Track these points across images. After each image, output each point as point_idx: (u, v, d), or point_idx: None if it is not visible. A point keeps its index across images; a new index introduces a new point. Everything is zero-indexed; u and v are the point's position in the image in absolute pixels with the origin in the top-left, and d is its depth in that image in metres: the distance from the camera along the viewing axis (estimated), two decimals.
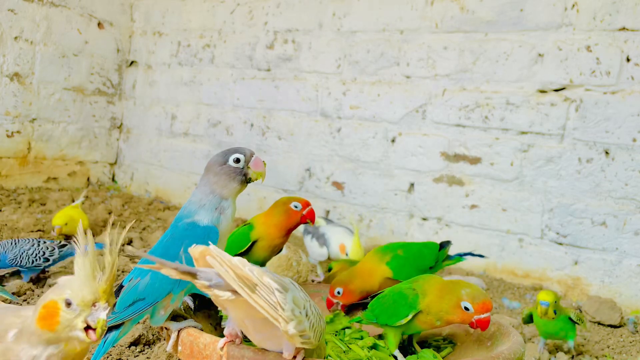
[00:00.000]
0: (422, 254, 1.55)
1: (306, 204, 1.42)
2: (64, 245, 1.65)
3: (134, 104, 3.67)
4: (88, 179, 3.54)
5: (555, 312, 1.50)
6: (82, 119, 3.45)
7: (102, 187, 3.58)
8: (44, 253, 1.58)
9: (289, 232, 1.42)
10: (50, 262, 1.60)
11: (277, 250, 1.45)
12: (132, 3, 3.69)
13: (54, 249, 1.61)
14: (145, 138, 3.61)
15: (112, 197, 3.24)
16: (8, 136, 3.06)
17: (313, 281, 1.98)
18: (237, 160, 1.12)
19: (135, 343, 1.29)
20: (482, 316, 1.13)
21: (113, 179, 3.72)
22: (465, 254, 1.78)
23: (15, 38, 3.02)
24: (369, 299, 1.40)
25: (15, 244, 1.59)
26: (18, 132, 3.10)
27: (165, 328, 1.06)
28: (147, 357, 1.22)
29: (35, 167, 3.21)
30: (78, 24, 3.34)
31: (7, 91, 3.02)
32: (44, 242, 1.62)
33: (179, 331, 1.02)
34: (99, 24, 3.48)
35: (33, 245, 1.59)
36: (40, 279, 1.66)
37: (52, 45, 3.21)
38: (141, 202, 3.27)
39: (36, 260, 1.57)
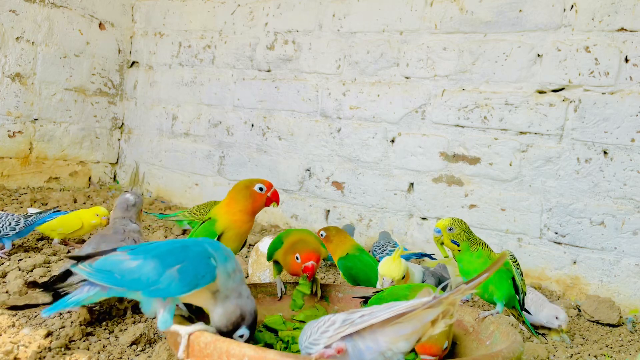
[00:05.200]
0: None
1: (270, 185, 1.39)
2: (29, 216, 1.92)
3: (135, 105, 3.69)
4: (89, 178, 3.55)
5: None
6: (83, 119, 3.46)
7: (104, 187, 3.59)
8: (10, 223, 1.86)
9: (254, 215, 1.39)
10: (17, 231, 1.87)
11: (245, 237, 1.41)
12: (133, 4, 3.70)
13: (20, 219, 1.89)
14: (146, 138, 3.62)
15: (113, 197, 3.26)
16: (10, 136, 3.07)
17: None
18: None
19: (136, 342, 1.30)
20: None
21: (114, 179, 3.73)
22: (424, 255, 2.04)
23: (17, 38, 3.04)
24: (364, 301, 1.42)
25: None
26: (20, 132, 3.12)
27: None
28: (148, 356, 1.23)
29: (37, 167, 3.22)
30: (79, 24, 3.35)
31: (8, 91, 3.04)
32: (12, 215, 1.90)
33: (189, 335, 1.00)
34: (100, 25, 3.50)
35: (1, 217, 1.87)
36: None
37: (53, 46, 3.22)
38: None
39: (3, 229, 1.85)
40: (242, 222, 1.36)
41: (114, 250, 1.09)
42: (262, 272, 1.87)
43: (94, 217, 2.07)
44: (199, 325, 1.02)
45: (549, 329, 1.77)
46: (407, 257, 2.21)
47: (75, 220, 2.04)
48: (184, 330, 1.00)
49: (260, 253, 1.92)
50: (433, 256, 2.21)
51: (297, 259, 1.39)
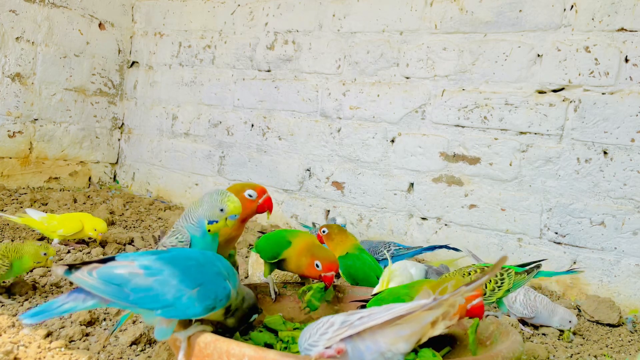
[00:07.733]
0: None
1: (262, 192, 1.31)
2: None
3: (135, 105, 3.69)
4: (89, 179, 3.55)
5: None
6: (83, 119, 3.46)
7: (104, 187, 3.60)
8: None
9: (243, 223, 1.32)
10: None
11: (233, 244, 1.37)
12: (133, 4, 3.70)
13: None
14: (146, 138, 3.62)
15: (113, 197, 3.26)
16: (10, 136, 3.07)
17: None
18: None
19: (136, 342, 1.30)
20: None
21: (114, 179, 3.73)
22: (441, 247, 2.12)
23: (17, 39, 3.04)
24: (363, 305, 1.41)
25: None
26: (20, 132, 3.12)
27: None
28: (149, 356, 1.23)
29: (37, 167, 3.22)
30: (79, 24, 3.35)
31: (8, 91, 3.04)
32: None
33: (187, 338, 0.99)
34: (100, 25, 3.50)
35: None
36: None
37: (53, 46, 3.22)
38: (142, 202, 3.28)
39: None
40: (231, 230, 1.28)
41: (112, 259, 1.01)
42: (262, 271, 1.87)
43: (92, 230, 2.05)
44: (196, 327, 1.02)
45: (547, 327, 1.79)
46: (419, 252, 2.17)
47: (76, 222, 2.04)
48: (182, 334, 0.99)
49: None
50: (450, 245, 2.20)
51: (317, 266, 1.36)
